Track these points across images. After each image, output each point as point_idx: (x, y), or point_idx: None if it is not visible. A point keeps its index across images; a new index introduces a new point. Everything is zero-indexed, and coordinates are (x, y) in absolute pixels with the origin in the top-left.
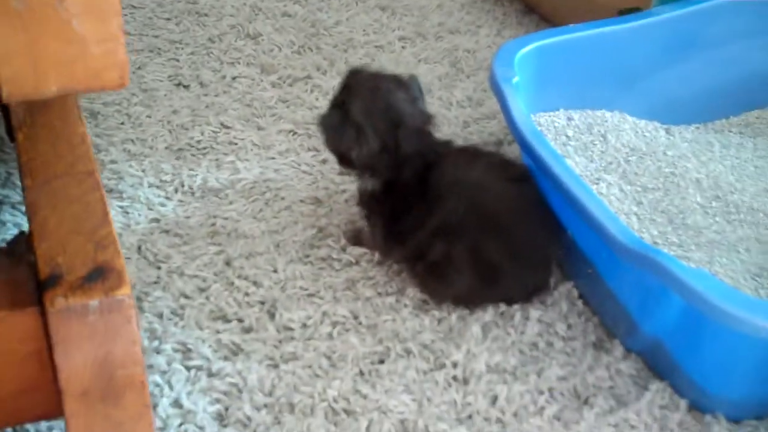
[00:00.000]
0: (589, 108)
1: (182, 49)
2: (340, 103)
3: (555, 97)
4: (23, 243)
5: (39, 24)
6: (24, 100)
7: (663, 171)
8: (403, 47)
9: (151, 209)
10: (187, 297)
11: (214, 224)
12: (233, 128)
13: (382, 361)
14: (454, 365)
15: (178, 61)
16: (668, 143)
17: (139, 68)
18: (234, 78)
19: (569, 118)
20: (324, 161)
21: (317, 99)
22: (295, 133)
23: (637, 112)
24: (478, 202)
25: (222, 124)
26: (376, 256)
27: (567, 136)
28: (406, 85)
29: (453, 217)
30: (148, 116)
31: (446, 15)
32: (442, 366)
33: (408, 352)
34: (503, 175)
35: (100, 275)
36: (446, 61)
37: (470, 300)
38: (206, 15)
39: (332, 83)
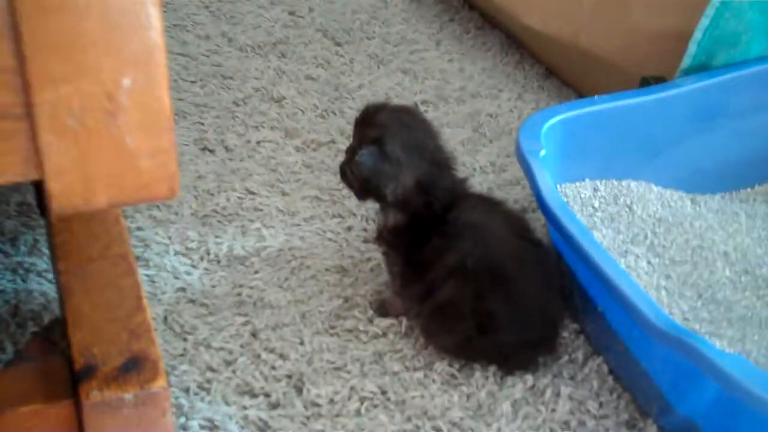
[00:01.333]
0: (615, 178)
1: (207, 112)
2: (376, 140)
3: (581, 168)
4: (58, 329)
5: (92, 140)
6: (73, 212)
7: (690, 243)
8: (425, 111)
9: (177, 278)
10: (213, 370)
11: (239, 294)
12: (258, 194)
13: None
14: None
15: (203, 124)
16: (694, 214)
17: None
18: (258, 142)
19: (595, 189)
20: (349, 228)
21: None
22: (319, 199)
23: (662, 181)
24: (491, 250)
25: (247, 189)
26: (403, 326)
27: (593, 207)
28: (428, 121)
29: (466, 259)
30: None
31: (467, 79)
32: None
33: (437, 430)
34: (520, 233)
35: (135, 366)
36: (468, 126)
37: (468, 351)
38: (231, 78)
39: None
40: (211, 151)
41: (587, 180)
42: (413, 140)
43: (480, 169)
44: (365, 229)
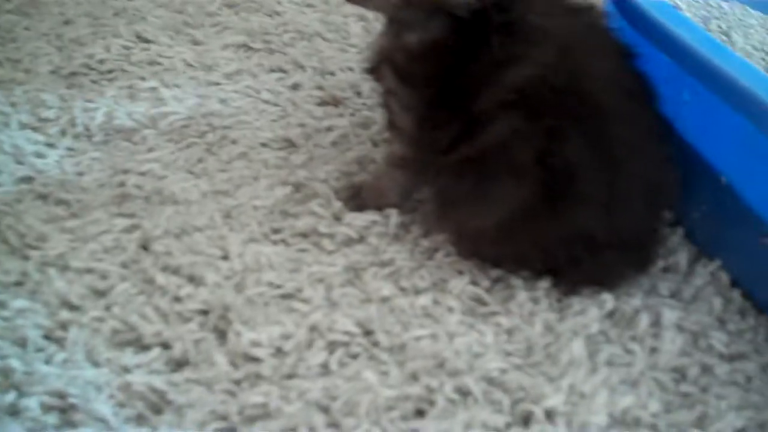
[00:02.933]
0: None
1: None
2: None
3: None
4: None
5: None
6: None
7: None
8: None
9: (20, 163)
10: (73, 307)
11: (123, 184)
12: (155, 42)
13: (420, 413)
14: (549, 416)
15: None
16: None
17: None
18: None
19: (675, 6)
20: (295, 86)
21: (278, 2)
22: (249, 47)
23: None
24: (583, 70)
25: (138, 36)
26: (392, 224)
27: None
28: None
29: (546, 75)
30: (27, 28)
31: None
32: (526, 420)
33: (464, 394)
34: (606, 45)
35: None
36: None
37: (518, 245)
38: None
39: None
40: None
41: None
42: None
43: None
44: (320, 87)
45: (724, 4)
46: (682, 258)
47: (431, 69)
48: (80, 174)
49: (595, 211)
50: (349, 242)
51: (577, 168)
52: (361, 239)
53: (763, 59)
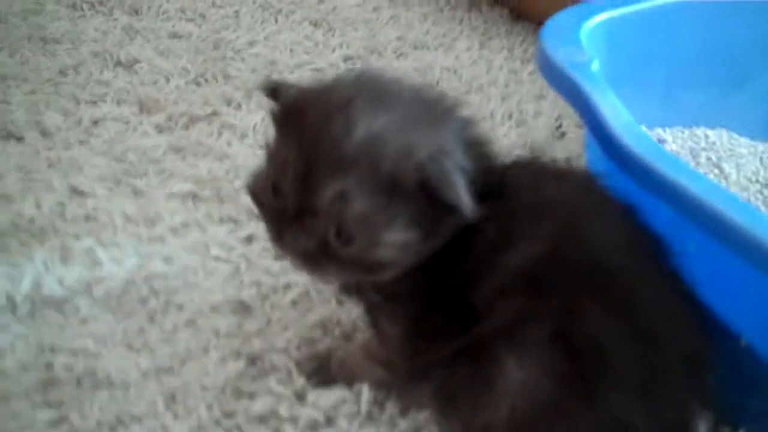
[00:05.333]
0: (681, 124)
1: (17, 87)
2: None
3: (631, 106)
4: None
5: None
6: None
7: None
8: (351, 67)
9: None
10: None
11: (50, 365)
12: (91, 194)
13: None
14: None
15: (8, 103)
16: None
17: None
18: (95, 122)
19: (660, 140)
20: (249, 239)
21: (229, 144)
22: (196, 197)
23: (741, 127)
24: (588, 235)
25: (73, 188)
26: (364, 400)
27: None
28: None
29: (556, 247)
30: None
31: (405, 27)
32: None
33: None
34: (606, 205)
35: None
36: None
37: None
38: (57, 41)
39: (252, 119)
40: (18, 139)
41: (643, 127)
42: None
43: None
44: None
45: (711, 133)
46: (702, 429)
47: (420, 284)
48: (0, 355)
49: (632, 393)
50: (314, 426)
51: (604, 343)
52: (329, 421)
53: (761, 193)
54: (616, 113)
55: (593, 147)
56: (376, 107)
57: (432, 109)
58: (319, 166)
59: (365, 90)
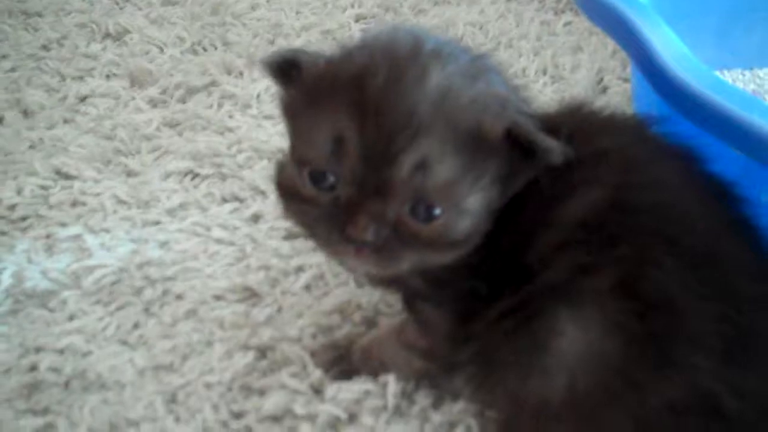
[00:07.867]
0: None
1: None
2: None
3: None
4: None
5: None
6: None
7: None
8: (362, 28)
9: None
10: None
11: (34, 367)
12: (79, 178)
13: None
14: None
15: None
16: None
17: None
18: (83, 99)
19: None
20: (255, 218)
21: (231, 116)
22: (195, 175)
23: None
24: (643, 181)
25: (58, 172)
26: (390, 392)
27: None
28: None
29: (621, 193)
30: None
31: None
32: None
33: None
34: (668, 150)
35: None
36: None
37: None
38: (39, 15)
39: (255, 88)
40: None
41: None
42: None
43: None
44: None
45: None
46: None
47: (474, 258)
48: None
49: (715, 358)
50: (334, 424)
51: (679, 298)
52: (351, 418)
53: None
54: (671, 45)
55: (642, 97)
56: (438, 59)
57: (474, 59)
58: (391, 135)
59: (420, 42)
